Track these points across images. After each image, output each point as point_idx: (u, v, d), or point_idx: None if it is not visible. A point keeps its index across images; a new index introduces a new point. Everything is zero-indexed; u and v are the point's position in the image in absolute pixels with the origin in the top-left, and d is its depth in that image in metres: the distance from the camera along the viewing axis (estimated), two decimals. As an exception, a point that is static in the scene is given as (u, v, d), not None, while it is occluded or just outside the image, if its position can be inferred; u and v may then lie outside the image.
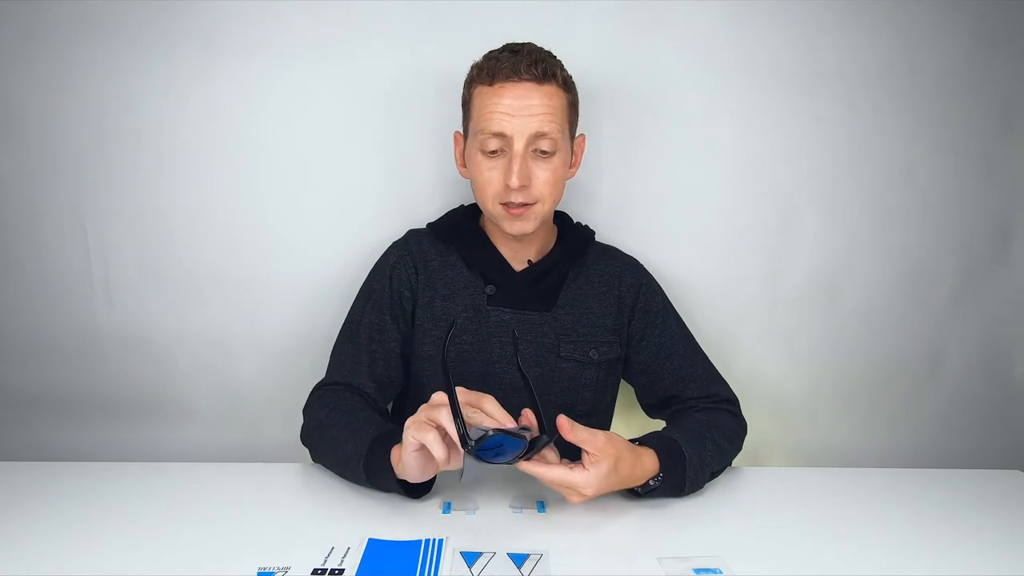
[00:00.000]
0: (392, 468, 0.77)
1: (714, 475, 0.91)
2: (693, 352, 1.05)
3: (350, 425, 0.87)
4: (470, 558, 0.70)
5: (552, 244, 1.04)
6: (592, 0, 1.13)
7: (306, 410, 0.95)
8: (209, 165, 1.15)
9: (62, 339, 1.20)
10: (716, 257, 1.24)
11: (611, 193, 1.20)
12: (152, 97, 1.12)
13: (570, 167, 0.98)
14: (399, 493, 0.81)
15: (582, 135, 1.00)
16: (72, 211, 1.15)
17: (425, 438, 0.70)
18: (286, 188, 1.17)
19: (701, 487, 0.88)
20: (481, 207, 0.97)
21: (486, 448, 0.68)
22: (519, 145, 0.88)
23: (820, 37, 1.17)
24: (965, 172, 1.25)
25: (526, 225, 0.93)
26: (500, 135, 0.89)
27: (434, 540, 0.73)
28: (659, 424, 1.01)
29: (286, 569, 0.67)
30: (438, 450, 0.70)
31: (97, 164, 1.13)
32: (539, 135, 0.89)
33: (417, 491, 0.82)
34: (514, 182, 0.88)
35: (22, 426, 1.24)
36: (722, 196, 1.22)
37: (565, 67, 0.93)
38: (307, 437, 0.94)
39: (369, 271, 1.05)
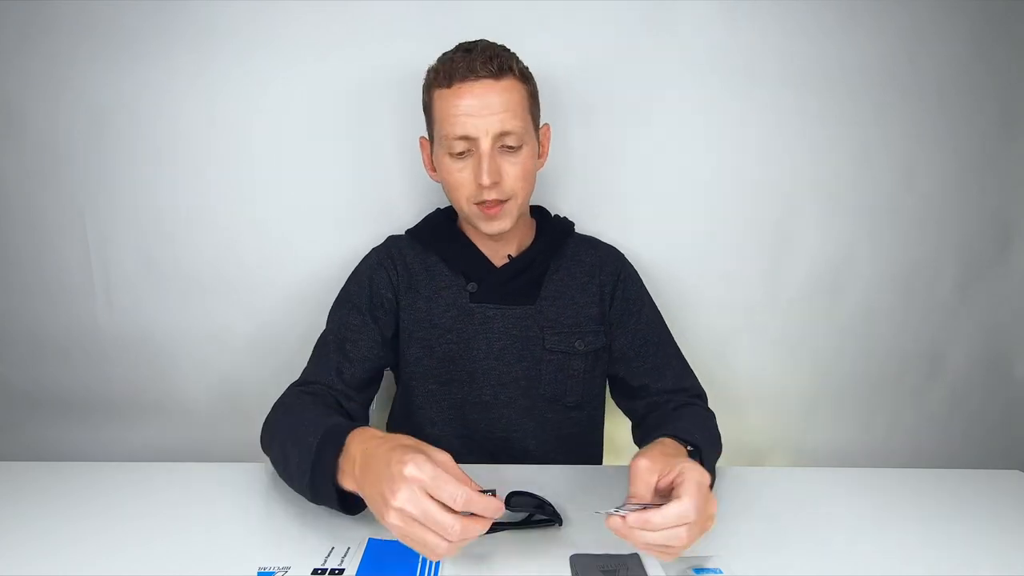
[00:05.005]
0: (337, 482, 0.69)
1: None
2: (667, 343, 1.05)
3: (295, 430, 0.77)
4: (470, 558, 0.70)
5: (531, 239, 1.05)
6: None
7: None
8: (209, 165, 1.15)
9: (62, 339, 1.20)
10: (716, 257, 1.24)
11: (612, 195, 1.20)
12: (152, 97, 1.12)
13: (538, 157, 0.98)
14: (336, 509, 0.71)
15: (546, 124, 1.00)
16: (72, 211, 1.15)
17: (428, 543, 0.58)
18: (285, 188, 1.17)
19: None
20: (456, 209, 0.98)
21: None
22: (485, 144, 0.89)
23: (821, 36, 1.17)
24: (966, 172, 1.25)
25: (503, 223, 0.94)
26: (465, 138, 0.89)
27: (434, 540, 0.73)
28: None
29: (286, 569, 0.67)
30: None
31: (97, 164, 1.13)
32: (503, 133, 0.89)
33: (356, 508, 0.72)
34: (485, 180, 0.89)
35: (22, 426, 1.24)
36: (722, 196, 1.22)
37: (521, 60, 0.93)
38: (262, 441, 0.87)
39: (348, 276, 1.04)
